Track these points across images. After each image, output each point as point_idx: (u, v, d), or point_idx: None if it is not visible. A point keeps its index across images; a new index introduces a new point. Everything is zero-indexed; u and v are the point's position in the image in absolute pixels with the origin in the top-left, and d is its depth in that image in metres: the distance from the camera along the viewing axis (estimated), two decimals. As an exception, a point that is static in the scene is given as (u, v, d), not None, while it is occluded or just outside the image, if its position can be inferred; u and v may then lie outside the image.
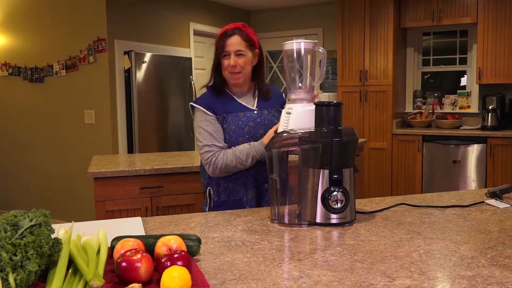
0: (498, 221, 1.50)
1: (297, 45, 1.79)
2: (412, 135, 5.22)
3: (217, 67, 1.98)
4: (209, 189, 2.02)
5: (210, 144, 1.91)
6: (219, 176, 1.95)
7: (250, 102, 2.03)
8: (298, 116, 1.68)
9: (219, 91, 2.00)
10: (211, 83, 2.03)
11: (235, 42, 1.92)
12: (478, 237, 1.34)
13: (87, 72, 4.61)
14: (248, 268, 1.12)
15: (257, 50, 2.01)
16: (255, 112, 2.00)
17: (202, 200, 2.96)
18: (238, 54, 1.92)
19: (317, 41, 1.89)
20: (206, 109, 1.95)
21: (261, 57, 2.06)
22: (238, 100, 2.01)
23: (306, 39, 1.79)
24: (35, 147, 5.05)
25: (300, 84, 1.79)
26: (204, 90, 2.07)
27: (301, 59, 1.79)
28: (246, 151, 1.88)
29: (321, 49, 1.82)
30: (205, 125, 1.94)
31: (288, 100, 1.79)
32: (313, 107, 1.58)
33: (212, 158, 1.90)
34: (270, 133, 1.86)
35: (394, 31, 5.26)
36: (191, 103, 2.02)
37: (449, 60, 5.66)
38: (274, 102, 2.10)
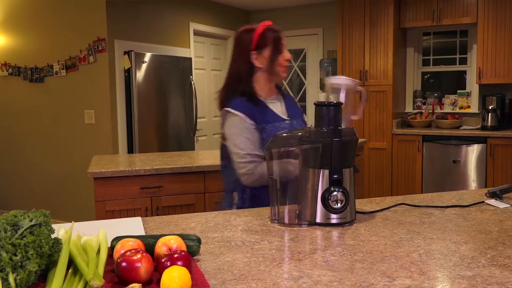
0: (498, 221, 1.50)
1: (338, 80, 1.89)
2: (412, 135, 5.22)
3: (249, 72, 1.92)
4: (234, 194, 1.97)
5: (252, 154, 1.84)
6: (250, 185, 1.89)
7: (279, 109, 1.99)
8: None
9: (254, 99, 1.91)
10: (241, 89, 1.92)
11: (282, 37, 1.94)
12: (478, 237, 1.34)
13: (87, 72, 4.61)
14: (248, 268, 1.12)
15: None
16: (287, 122, 1.96)
17: (202, 200, 2.97)
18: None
19: (357, 81, 1.97)
20: (247, 116, 1.87)
21: None
22: (271, 109, 1.95)
23: (346, 77, 1.90)
24: (35, 147, 5.05)
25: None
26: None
27: (343, 95, 1.85)
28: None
29: (361, 89, 1.89)
30: (246, 133, 1.86)
31: None
32: None
33: (253, 169, 1.84)
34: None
35: (394, 31, 5.26)
36: (227, 108, 1.91)
37: (449, 60, 5.66)
38: (297, 110, 2.10)
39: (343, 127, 1.56)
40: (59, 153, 4.89)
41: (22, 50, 5.02)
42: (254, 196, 1.90)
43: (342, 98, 1.85)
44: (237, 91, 1.92)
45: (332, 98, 1.87)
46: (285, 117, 1.97)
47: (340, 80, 1.88)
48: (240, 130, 1.86)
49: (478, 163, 4.94)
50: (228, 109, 1.90)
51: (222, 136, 1.97)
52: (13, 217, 1.02)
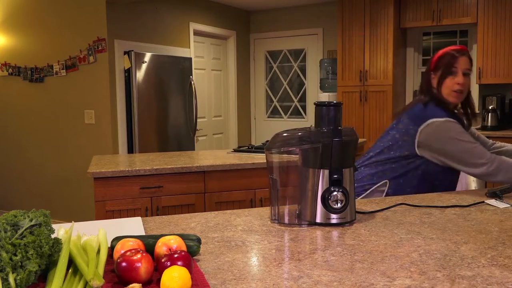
0: (498, 221, 1.50)
1: None
2: (412, 135, 5.21)
3: (428, 88, 2.04)
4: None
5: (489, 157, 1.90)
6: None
7: None
8: None
9: (448, 108, 2.02)
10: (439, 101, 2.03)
11: (464, 61, 1.98)
12: (478, 237, 1.34)
13: (87, 72, 4.61)
14: (248, 268, 1.12)
15: (469, 78, 2.05)
16: None
17: (202, 200, 2.97)
18: (465, 73, 1.98)
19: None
20: (461, 124, 1.98)
21: (469, 86, 2.09)
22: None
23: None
24: (35, 147, 5.05)
25: None
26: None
27: None
28: None
29: None
30: (469, 138, 1.93)
31: None
32: None
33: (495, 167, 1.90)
34: None
35: (394, 31, 5.26)
36: (447, 118, 1.97)
37: (449, 60, 5.65)
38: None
39: None
40: (59, 153, 4.89)
41: (22, 50, 5.02)
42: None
43: None
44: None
45: None
46: None
47: None
48: (463, 136, 1.94)
49: (478, 163, 4.93)
50: (447, 118, 1.97)
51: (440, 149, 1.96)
52: (13, 217, 1.02)
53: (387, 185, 2.03)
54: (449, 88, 1.98)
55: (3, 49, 5.14)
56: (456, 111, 2.11)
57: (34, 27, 4.91)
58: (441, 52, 2.04)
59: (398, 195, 1.96)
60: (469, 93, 2.09)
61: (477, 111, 5.42)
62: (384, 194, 2.04)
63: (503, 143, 2.27)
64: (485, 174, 1.90)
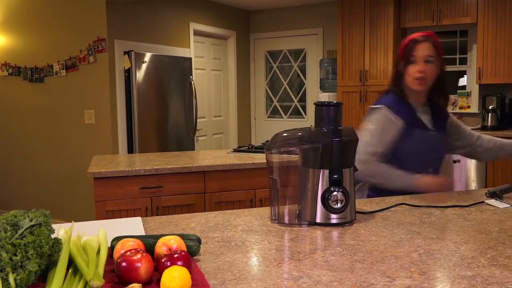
0: (498, 221, 1.50)
1: None
2: (412, 135, 5.22)
3: (397, 79, 2.00)
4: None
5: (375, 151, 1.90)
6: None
7: (426, 119, 2.02)
8: None
9: (404, 98, 1.99)
10: (392, 90, 2.03)
11: (425, 48, 1.92)
12: (478, 237, 1.34)
13: (87, 72, 4.61)
14: (248, 268, 1.12)
15: (440, 64, 2.00)
16: (432, 133, 1.98)
17: (202, 200, 2.97)
18: (427, 60, 1.93)
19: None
20: (393, 111, 1.95)
21: (443, 72, 2.03)
22: (419, 116, 2.00)
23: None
24: (35, 147, 5.05)
25: None
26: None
27: None
28: (404, 180, 1.90)
29: None
30: (378, 131, 1.92)
31: None
32: None
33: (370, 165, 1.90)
34: (429, 181, 1.90)
35: (394, 31, 5.26)
36: (376, 105, 1.99)
37: (449, 60, 5.66)
38: (443, 123, 2.09)
39: None
40: (59, 153, 4.89)
41: (22, 50, 5.02)
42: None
43: None
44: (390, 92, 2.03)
45: None
46: (431, 127, 2.00)
47: None
48: (379, 121, 1.93)
49: (478, 163, 4.94)
50: (376, 105, 1.99)
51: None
52: (13, 217, 1.02)
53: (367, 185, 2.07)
54: (411, 76, 1.95)
55: (3, 49, 5.14)
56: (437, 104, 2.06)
57: (34, 27, 4.91)
58: (406, 39, 2.01)
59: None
60: (441, 81, 2.03)
61: (477, 111, 5.42)
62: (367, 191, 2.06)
63: (491, 137, 2.19)
64: (360, 168, 1.87)
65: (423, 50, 1.93)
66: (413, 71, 1.94)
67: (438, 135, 2.03)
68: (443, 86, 2.04)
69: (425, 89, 1.99)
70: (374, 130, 1.94)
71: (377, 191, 2.00)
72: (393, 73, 2.05)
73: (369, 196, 2.02)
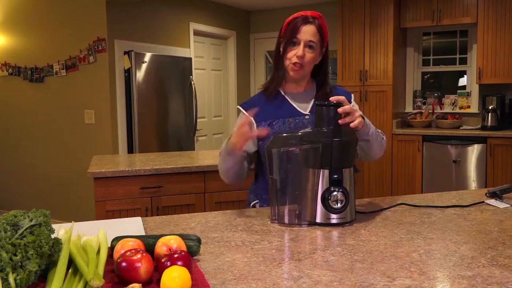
0: (498, 221, 1.50)
1: None
2: (412, 135, 5.22)
3: (278, 60, 1.77)
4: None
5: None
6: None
7: (304, 106, 1.79)
8: None
9: (270, 93, 1.79)
10: (267, 80, 1.84)
11: (309, 31, 1.72)
12: (478, 237, 1.34)
13: (87, 72, 4.61)
14: (248, 268, 1.12)
15: (324, 49, 1.80)
16: (307, 117, 1.77)
17: (202, 200, 2.97)
18: (309, 45, 1.71)
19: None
20: (246, 112, 1.75)
21: (326, 54, 1.82)
22: (291, 103, 1.79)
23: None
24: (35, 147, 5.05)
25: None
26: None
27: None
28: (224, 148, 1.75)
29: None
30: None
31: None
32: None
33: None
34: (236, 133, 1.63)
35: (394, 31, 5.26)
36: (238, 106, 1.85)
37: (449, 60, 5.66)
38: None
39: None
40: (59, 153, 4.89)
41: (22, 50, 5.02)
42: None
43: None
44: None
45: None
46: (306, 112, 1.78)
47: None
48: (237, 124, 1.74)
49: (478, 163, 4.94)
50: (238, 106, 1.86)
51: None
52: (13, 217, 1.02)
53: None
54: (289, 60, 1.72)
55: (3, 49, 5.14)
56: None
57: (34, 27, 4.91)
58: (291, 16, 1.79)
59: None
60: (323, 73, 1.82)
61: (477, 111, 5.42)
62: None
63: None
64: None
65: (306, 33, 1.72)
66: (291, 55, 1.71)
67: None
68: (325, 73, 1.84)
69: (300, 77, 1.77)
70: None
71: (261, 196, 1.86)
72: (275, 51, 1.80)
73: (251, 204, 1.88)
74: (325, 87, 1.82)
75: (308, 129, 1.54)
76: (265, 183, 1.80)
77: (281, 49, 1.76)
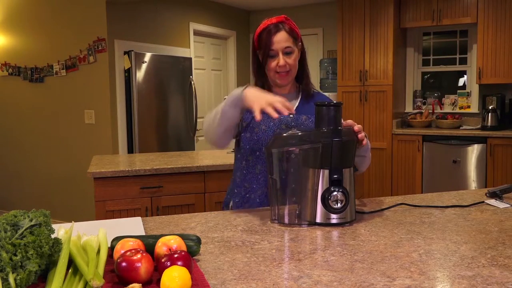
0: (498, 221, 1.50)
1: None
2: (412, 135, 5.22)
3: (258, 69, 1.83)
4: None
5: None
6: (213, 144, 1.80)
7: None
8: None
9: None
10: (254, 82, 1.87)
11: (282, 39, 1.73)
12: (478, 237, 1.34)
13: (87, 72, 4.61)
14: (248, 268, 1.12)
15: (300, 44, 1.82)
16: (291, 116, 1.79)
17: (202, 200, 2.97)
18: (286, 52, 1.74)
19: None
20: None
21: (303, 51, 1.84)
22: None
23: None
24: (35, 147, 5.05)
25: None
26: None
27: None
28: (228, 100, 1.72)
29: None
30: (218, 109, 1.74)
31: None
32: None
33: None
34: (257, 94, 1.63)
35: (394, 31, 5.26)
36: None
37: (449, 60, 5.66)
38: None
39: None
40: (59, 153, 4.89)
41: (22, 50, 5.02)
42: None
43: None
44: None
45: None
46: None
47: None
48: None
49: (478, 163, 4.94)
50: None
51: None
52: (13, 217, 1.02)
53: None
54: (272, 70, 1.76)
55: (3, 49, 5.14)
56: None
57: (34, 27, 4.91)
58: (260, 27, 1.78)
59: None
60: (302, 65, 1.84)
61: (477, 111, 5.42)
62: None
63: None
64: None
65: (280, 42, 1.72)
66: (274, 65, 1.75)
67: (297, 118, 1.82)
68: (304, 69, 1.86)
69: (289, 82, 1.81)
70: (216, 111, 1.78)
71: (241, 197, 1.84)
72: (252, 62, 1.85)
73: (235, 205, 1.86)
74: (307, 85, 1.87)
75: (295, 130, 1.52)
76: (244, 180, 1.82)
77: (261, 61, 1.80)
